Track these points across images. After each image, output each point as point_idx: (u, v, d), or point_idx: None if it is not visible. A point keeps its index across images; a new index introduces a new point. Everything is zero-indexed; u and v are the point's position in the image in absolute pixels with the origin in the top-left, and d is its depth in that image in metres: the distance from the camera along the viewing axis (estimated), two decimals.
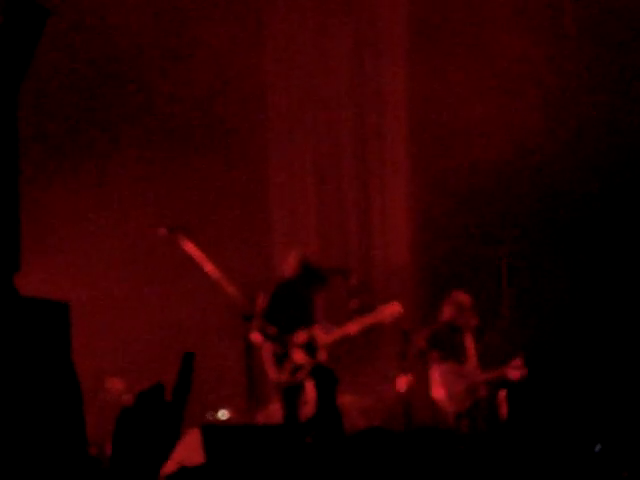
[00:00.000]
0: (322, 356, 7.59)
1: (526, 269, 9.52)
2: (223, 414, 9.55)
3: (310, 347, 7.58)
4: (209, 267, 6.34)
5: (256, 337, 7.53)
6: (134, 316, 10.38)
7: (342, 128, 11.32)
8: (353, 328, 7.68)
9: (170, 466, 5.68)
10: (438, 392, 8.32)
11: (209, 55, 10.85)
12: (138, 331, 10.34)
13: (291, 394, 7.49)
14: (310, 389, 7.59)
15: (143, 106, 10.96)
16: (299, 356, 7.51)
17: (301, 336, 7.62)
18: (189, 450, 5.70)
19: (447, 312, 8.63)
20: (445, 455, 5.60)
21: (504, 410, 8.32)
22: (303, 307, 7.73)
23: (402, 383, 8.10)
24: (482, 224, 10.08)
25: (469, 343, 8.55)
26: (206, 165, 11.00)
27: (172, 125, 10.95)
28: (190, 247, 6.49)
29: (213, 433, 5.66)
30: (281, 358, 7.58)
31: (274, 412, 8.03)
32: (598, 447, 6.73)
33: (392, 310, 7.56)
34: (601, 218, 9.63)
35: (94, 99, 10.77)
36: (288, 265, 7.85)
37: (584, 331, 9.37)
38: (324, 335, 7.64)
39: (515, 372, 8.25)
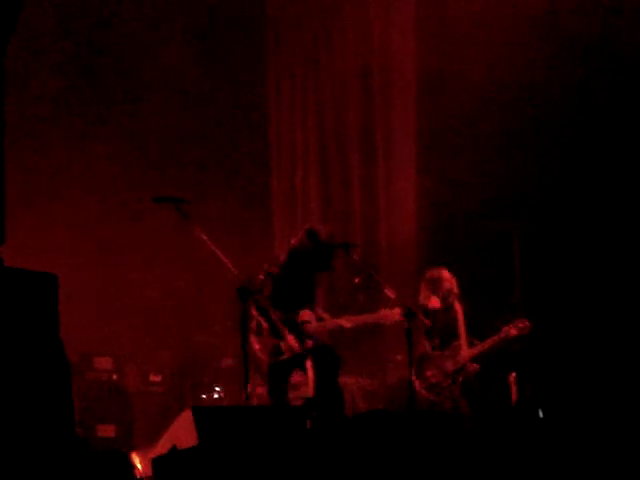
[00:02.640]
0: (309, 344, 7.62)
1: (537, 246, 9.56)
2: (218, 394, 9.62)
3: (301, 333, 7.60)
4: (203, 238, 6.36)
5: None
6: (123, 295, 10.44)
7: (348, 105, 11.36)
8: (347, 323, 7.71)
9: (163, 447, 5.73)
10: (417, 385, 8.41)
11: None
12: (127, 309, 10.40)
13: (276, 374, 7.50)
14: (310, 369, 7.62)
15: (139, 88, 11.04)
16: (290, 339, 7.53)
17: (298, 318, 7.64)
18: (181, 432, 5.74)
19: (426, 292, 8.69)
20: (447, 438, 5.65)
21: (514, 393, 8.40)
22: (306, 288, 7.75)
23: None
24: (491, 201, 10.12)
25: (459, 314, 8.59)
26: (207, 141, 11.09)
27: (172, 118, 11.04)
28: (185, 220, 6.51)
29: (205, 415, 5.69)
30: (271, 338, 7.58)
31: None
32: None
33: (393, 315, 7.61)
34: (614, 195, 9.67)
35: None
36: (297, 238, 7.87)
37: (597, 308, 9.43)
38: (317, 324, 7.67)
39: (517, 329, 8.32)
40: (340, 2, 11.38)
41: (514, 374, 8.45)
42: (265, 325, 7.38)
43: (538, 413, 8.09)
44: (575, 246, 9.71)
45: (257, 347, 7.46)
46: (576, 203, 9.77)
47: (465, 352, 8.43)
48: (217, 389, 9.70)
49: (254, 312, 7.26)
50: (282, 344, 7.45)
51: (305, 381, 7.66)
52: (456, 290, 8.63)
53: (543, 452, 5.75)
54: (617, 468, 5.75)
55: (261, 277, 7.51)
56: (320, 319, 7.71)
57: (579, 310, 9.50)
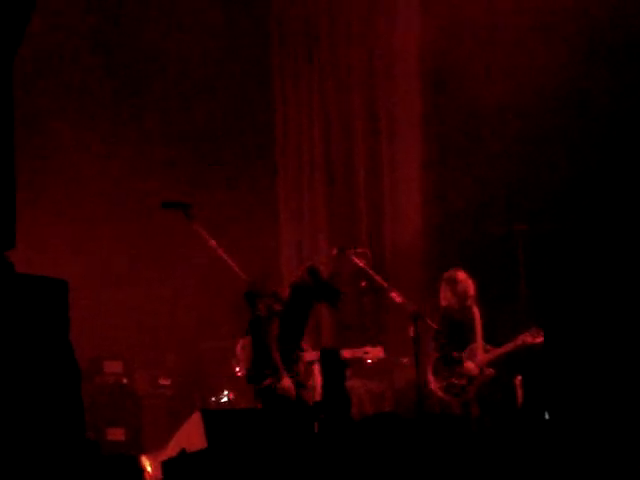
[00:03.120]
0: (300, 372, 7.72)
1: (542, 248, 9.57)
2: (226, 397, 9.66)
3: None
4: (213, 245, 6.42)
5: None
6: (133, 299, 10.47)
7: (353, 109, 11.41)
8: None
9: (172, 450, 5.78)
10: (432, 384, 8.46)
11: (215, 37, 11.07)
12: (137, 314, 10.43)
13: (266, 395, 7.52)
14: (317, 373, 7.68)
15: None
16: (285, 382, 7.59)
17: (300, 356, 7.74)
18: (191, 435, 5.79)
19: (445, 293, 8.74)
20: (455, 442, 5.68)
21: (520, 396, 8.42)
22: (304, 324, 7.82)
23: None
24: (496, 203, 10.15)
25: (476, 318, 8.63)
26: (213, 144, 11.14)
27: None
28: (193, 224, 6.57)
29: (214, 418, 5.74)
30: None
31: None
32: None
33: (375, 353, 7.73)
34: (618, 193, 9.69)
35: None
36: (297, 275, 7.98)
37: (603, 311, 9.45)
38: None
39: (533, 337, 8.37)
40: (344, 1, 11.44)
41: (520, 377, 8.48)
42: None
43: (544, 415, 8.12)
44: (580, 249, 9.73)
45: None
46: (582, 205, 9.80)
47: (482, 356, 8.47)
48: (225, 392, 9.74)
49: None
50: (278, 385, 7.47)
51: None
52: (472, 292, 8.66)
53: (549, 454, 5.78)
54: (621, 469, 5.78)
55: (263, 309, 7.50)
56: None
57: (584, 313, 9.52)
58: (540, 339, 8.37)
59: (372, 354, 7.73)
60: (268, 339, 7.30)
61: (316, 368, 7.66)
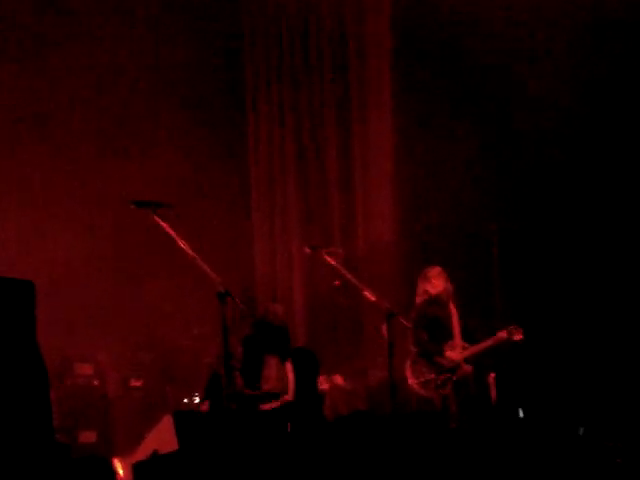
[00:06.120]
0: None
1: (516, 245, 9.62)
2: (197, 399, 9.64)
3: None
4: (181, 244, 6.37)
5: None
6: (103, 300, 10.42)
7: (325, 104, 11.43)
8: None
9: (144, 452, 5.76)
10: (410, 380, 8.55)
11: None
12: (107, 315, 10.39)
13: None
14: (290, 372, 7.68)
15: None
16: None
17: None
18: (162, 436, 5.78)
19: (421, 289, 8.84)
20: (431, 439, 5.69)
21: (493, 393, 8.49)
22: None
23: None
24: (470, 199, 10.18)
25: (453, 314, 8.72)
26: (186, 144, 11.11)
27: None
28: (161, 223, 6.52)
29: (186, 419, 5.73)
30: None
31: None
32: (581, 430, 6.87)
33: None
34: (594, 194, 9.75)
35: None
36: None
37: (577, 310, 9.51)
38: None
39: (512, 335, 8.46)
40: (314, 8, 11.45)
41: (493, 374, 8.54)
42: None
43: (518, 413, 8.16)
44: (555, 249, 9.79)
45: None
46: (557, 206, 9.85)
47: (459, 352, 8.57)
48: (197, 394, 9.71)
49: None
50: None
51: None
52: (450, 288, 8.76)
53: (523, 451, 5.79)
54: (594, 467, 5.80)
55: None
56: None
57: (558, 312, 9.58)
58: (519, 336, 8.46)
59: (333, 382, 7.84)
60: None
61: (289, 367, 7.67)
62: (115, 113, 10.89)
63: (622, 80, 9.64)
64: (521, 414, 8.17)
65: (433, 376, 8.52)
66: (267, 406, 7.49)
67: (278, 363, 7.94)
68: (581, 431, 7.35)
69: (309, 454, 5.40)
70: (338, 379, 7.87)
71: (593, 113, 9.70)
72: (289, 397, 7.59)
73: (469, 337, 8.68)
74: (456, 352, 8.57)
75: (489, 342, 8.55)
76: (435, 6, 10.38)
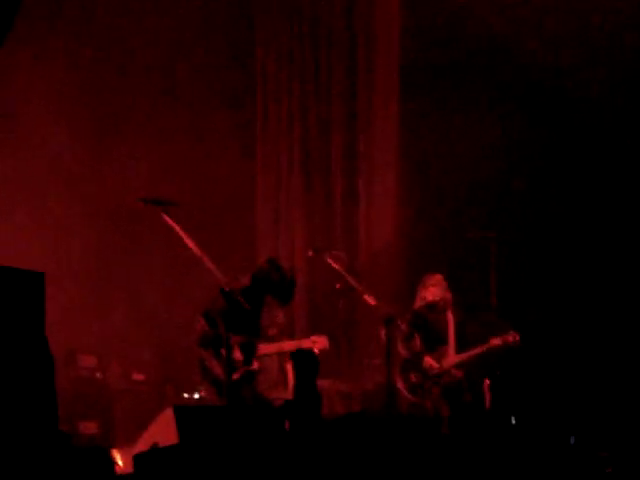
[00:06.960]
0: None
1: (514, 252, 9.68)
2: (198, 394, 9.69)
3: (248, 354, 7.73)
4: (189, 242, 6.45)
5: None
6: (108, 293, 10.48)
7: (331, 109, 11.48)
8: (271, 349, 7.86)
9: (144, 445, 5.83)
10: (399, 384, 8.62)
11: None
12: (111, 308, 10.44)
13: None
14: (289, 372, 7.74)
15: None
16: (237, 356, 7.67)
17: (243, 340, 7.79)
18: (163, 430, 5.84)
19: (420, 295, 8.90)
20: (424, 441, 5.75)
21: (488, 399, 8.54)
22: (258, 316, 7.88)
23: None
24: (469, 206, 10.25)
25: (450, 322, 8.80)
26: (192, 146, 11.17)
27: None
28: (169, 221, 6.60)
29: (186, 413, 5.78)
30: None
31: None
32: (572, 439, 6.94)
33: (320, 343, 7.80)
34: (590, 203, 9.80)
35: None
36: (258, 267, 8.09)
37: (573, 315, 9.57)
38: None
39: (508, 340, 8.51)
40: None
41: (488, 381, 8.60)
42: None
43: (510, 420, 8.23)
44: (552, 255, 9.84)
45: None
46: (555, 215, 9.91)
47: (451, 358, 8.63)
48: (198, 389, 9.76)
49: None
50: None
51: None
52: (448, 296, 8.83)
53: (513, 459, 5.85)
54: (585, 476, 5.87)
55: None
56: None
57: (554, 318, 9.63)
58: (516, 337, 8.53)
59: (319, 343, 7.79)
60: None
61: (288, 366, 7.73)
62: (115, 112, 10.96)
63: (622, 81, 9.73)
64: (513, 421, 8.24)
65: (417, 381, 8.59)
66: (236, 375, 7.51)
67: (280, 307, 7.94)
68: (572, 440, 7.44)
69: (305, 453, 5.46)
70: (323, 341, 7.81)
71: (593, 113, 9.76)
72: (288, 396, 7.65)
73: (467, 345, 8.73)
74: (448, 359, 8.63)
75: (483, 347, 8.62)
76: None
